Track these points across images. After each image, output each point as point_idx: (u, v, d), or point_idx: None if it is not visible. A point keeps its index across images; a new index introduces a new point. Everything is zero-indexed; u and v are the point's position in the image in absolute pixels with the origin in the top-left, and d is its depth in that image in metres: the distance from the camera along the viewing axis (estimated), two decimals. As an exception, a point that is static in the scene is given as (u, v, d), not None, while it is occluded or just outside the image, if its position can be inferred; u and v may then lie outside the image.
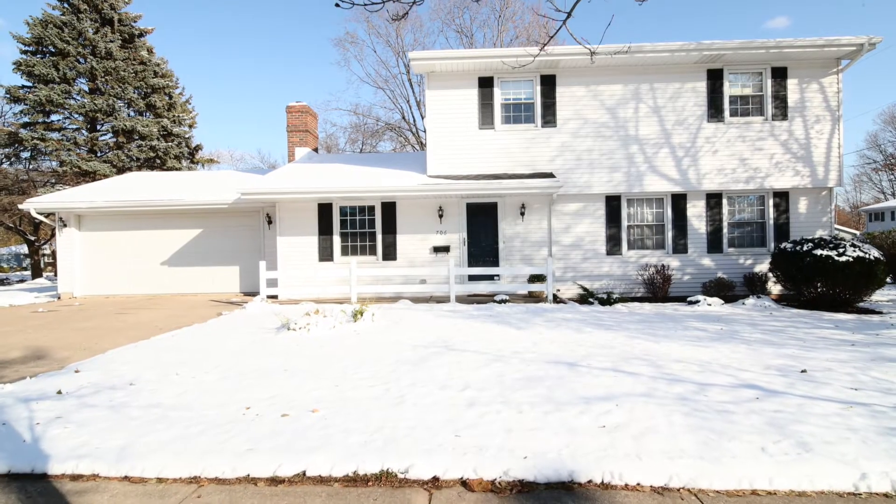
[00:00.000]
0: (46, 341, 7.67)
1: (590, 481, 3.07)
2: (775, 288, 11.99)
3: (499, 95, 12.24)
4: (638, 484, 3.05)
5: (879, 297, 12.24)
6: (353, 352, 6.46)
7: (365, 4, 3.48)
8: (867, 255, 9.54)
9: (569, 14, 4.29)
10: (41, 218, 13.96)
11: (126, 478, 3.22)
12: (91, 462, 3.31)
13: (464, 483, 3.10)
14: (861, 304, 10.58)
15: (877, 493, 2.95)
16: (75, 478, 3.24)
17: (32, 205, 13.43)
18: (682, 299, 11.60)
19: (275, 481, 3.15)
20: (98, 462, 3.32)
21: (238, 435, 3.69)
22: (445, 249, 12.48)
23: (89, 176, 23.14)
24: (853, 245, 9.81)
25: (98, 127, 25.20)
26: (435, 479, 3.13)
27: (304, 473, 3.20)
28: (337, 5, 3.28)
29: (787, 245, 10.71)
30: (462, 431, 3.70)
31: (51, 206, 13.52)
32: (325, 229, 12.64)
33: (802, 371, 5.23)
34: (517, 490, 3.02)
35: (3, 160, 25.25)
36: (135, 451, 3.44)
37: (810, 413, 3.99)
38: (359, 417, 4.02)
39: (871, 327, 8.07)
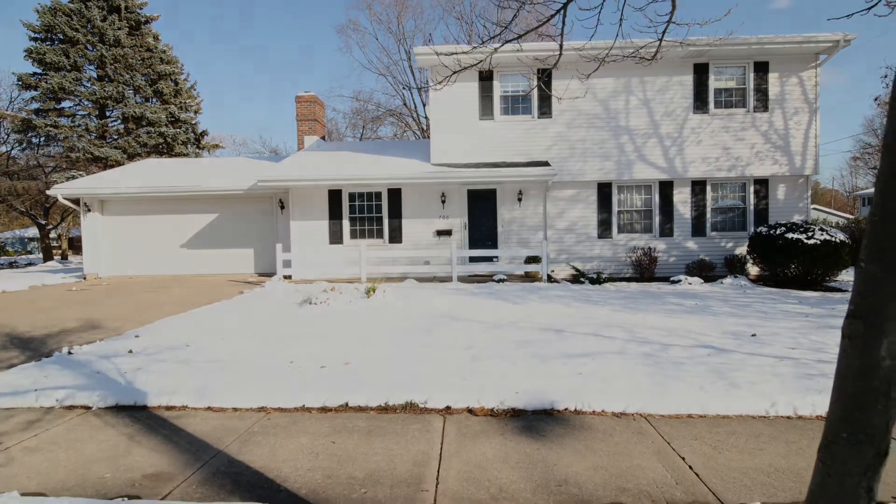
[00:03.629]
0: (94, 314, 8.61)
1: (566, 409, 4.03)
2: (753, 269, 12.93)
3: (498, 88, 13.01)
4: (602, 410, 4.01)
5: (852, 277, 13.14)
6: (370, 322, 7.41)
7: (420, 88, 4.69)
8: (833, 239, 10.46)
9: (561, 33, 5.13)
10: (68, 203, 14.81)
11: (209, 408, 4.18)
12: (180, 397, 4.27)
13: (470, 410, 4.05)
14: (831, 284, 11.52)
15: (781, 416, 3.92)
16: (169, 408, 4.20)
17: (59, 190, 14.27)
18: (666, 279, 12.53)
19: (324, 410, 4.11)
20: (185, 397, 4.28)
21: (289, 379, 4.64)
22: (448, 233, 13.38)
23: (101, 162, 23.89)
24: (822, 229, 10.73)
25: (108, 113, 25.86)
26: (448, 407, 4.09)
27: (346, 404, 4.16)
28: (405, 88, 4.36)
29: (762, 229, 11.62)
30: (468, 377, 4.66)
31: (76, 191, 14.35)
32: (334, 214, 13.52)
33: (753, 335, 6.20)
34: (510, 415, 3.98)
35: (15, 146, 25.95)
36: (211, 390, 4.40)
37: (748, 364, 4.95)
38: (384, 368, 4.97)
39: (830, 303, 9.02)
